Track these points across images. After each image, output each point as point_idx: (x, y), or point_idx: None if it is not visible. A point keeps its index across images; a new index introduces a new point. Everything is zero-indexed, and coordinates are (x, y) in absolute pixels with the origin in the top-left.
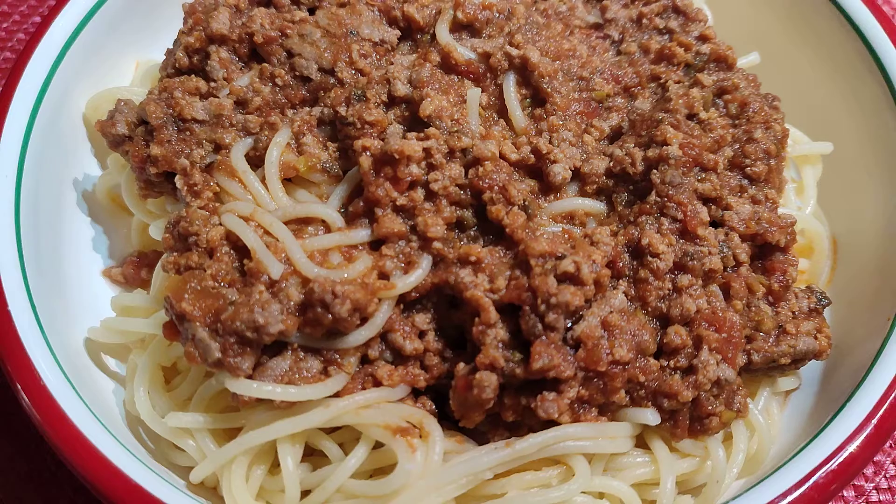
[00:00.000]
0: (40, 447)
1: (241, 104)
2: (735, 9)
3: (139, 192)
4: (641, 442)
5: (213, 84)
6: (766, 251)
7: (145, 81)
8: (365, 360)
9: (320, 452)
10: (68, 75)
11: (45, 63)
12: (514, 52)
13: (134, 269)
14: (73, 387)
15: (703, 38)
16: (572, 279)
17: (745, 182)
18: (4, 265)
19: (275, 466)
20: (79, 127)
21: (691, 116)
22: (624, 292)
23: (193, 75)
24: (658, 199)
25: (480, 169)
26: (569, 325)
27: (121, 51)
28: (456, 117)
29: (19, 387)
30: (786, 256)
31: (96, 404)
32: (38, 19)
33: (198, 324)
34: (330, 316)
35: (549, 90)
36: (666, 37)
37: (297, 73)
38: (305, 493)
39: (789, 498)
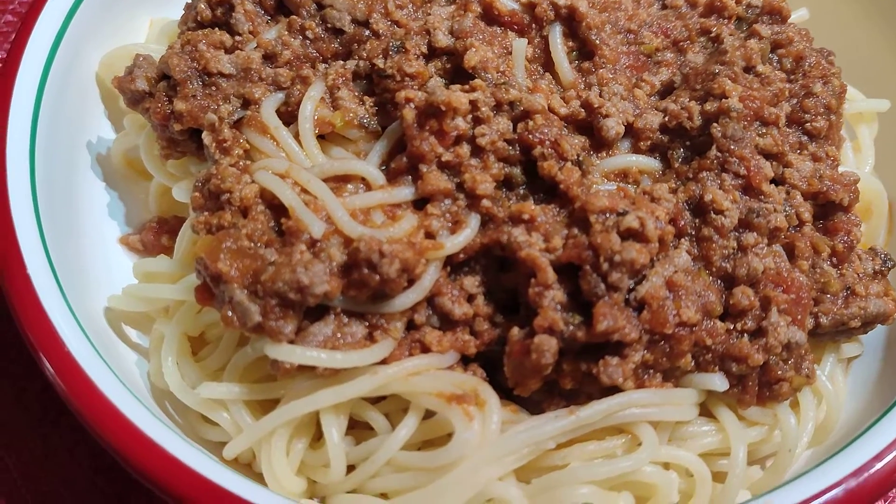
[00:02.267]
0: (57, 424)
1: (269, 58)
2: None
3: (161, 153)
4: (704, 410)
5: (238, 38)
6: (829, 210)
7: (161, 39)
8: (411, 326)
9: (363, 425)
10: (79, 34)
11: (54, 22)
12: (561, 1)
13: (154, 236)
14: (101, 356)
15: None
16: (636, 236)
17: (805, 139)
18: (24, 234)
19: (315, 441)
20: (91, 87)
21: (748, 69)
22: (687, 251)
23: (217, 29)
24: (719, 155)
25: (530, 123)
26: (631, 287)
27: (133, 8)
28: (501, 69)
29: (43, 357)
30: (848, 216)
31: (122, 375)
32: None
33: (235, 285)
34: (377, 277)
35: (597, 42)
36: None
37: (329, 26)
38: (349, 470)
39: (865, 475)
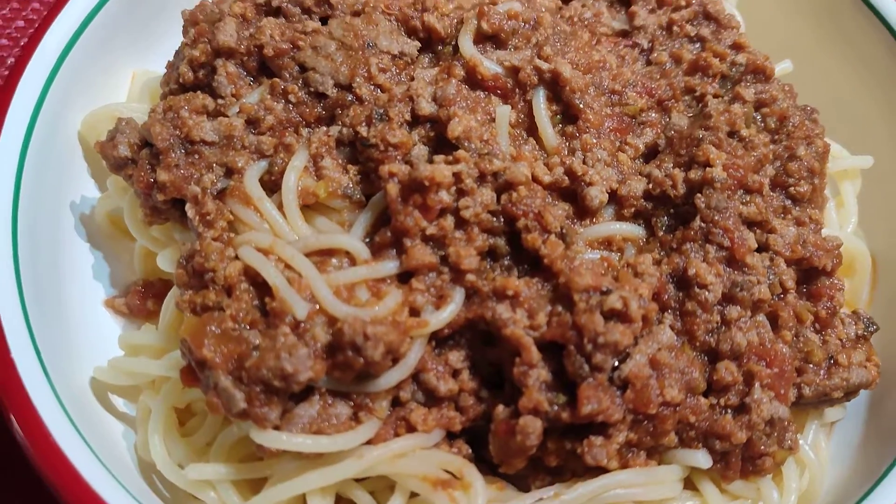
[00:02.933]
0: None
1: (252, 123)
2: (764, 13)
3: (144, 219)
4: (688, 483)
5: (220, 101)
6: (811, 275)
7: (143, 95)
8: (396, 402)
9: (349, 501)
10: (63, 90)
11: (39, 78)
12: (545, 66)
13: (139, 300)
14: (80, 433)
15: (736, 47)
16: (619, 316)
17: (789, 202)
18: (4, 300)
19: None
20: (74, 146)
21: (732, 133)
22: (670, 325)
23: (199, 91)
24: (703, 225)
25: (514, 194)
26: (615, 365)
27: (116, 61)
28: (485, 138)
29: (23, 436)
30: (831, 281)
31: (105, 450)
32: (21, 23)
33: (220, 371)
34: (361, 360)
35: (581, 106)
36: (698, 45)
37: (312, 89)
38: None
39: None
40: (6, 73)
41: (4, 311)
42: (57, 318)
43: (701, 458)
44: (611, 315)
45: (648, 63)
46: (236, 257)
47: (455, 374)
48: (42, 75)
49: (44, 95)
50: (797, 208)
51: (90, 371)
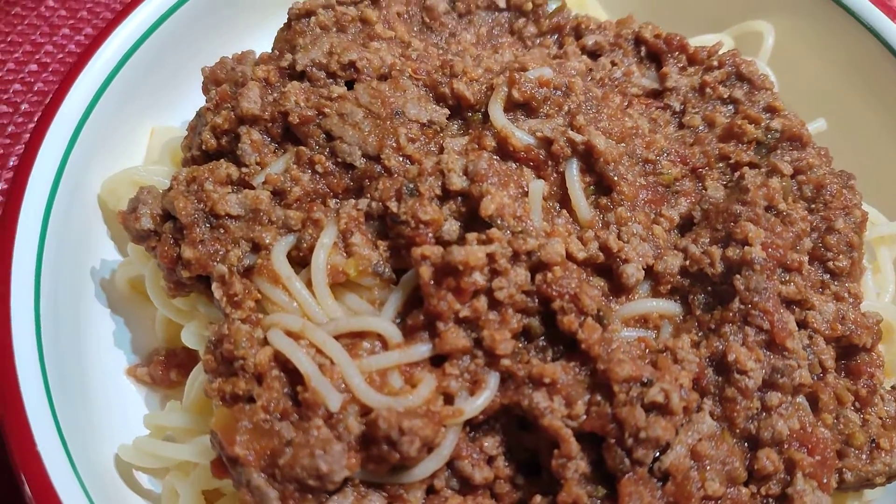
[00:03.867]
0: None
1: (278, 194)
2: (797, 69)
3: (167, 292)
4: None
5: (244, 169)
6: (850, 351)
7: (163, 156)
8: (430, 491)
9: None
10: (84, 153)
11: (60, 142)
12: (578, 137)
13: (162, 370)
14: None
15: (771, 110)
16: (660, 409)
17: (827, 277)
18: (25, 374)
19: None
20: (94, 209)
21: (769, 207)
22: (709, 411)
23: (222, 159)
24: (742, 307)
25: (549, 275)
26: (655, 456)
27: (136, 119)
28: (518, 214)
29: None
30: (871, 356)
31: None
32: (34, 67)
33: (253, 469)
34: (397, 455)
35: (615, 178)
36: (731, 107)
37: (339, 160)
38: None
39: None
40: (20, 119)
41: (26, 386)
42: (78, 389)
43: None
44: (652, 408)
45: (681, 126)
46: (265, 339)
47: (490, 460)
48: (64, 137)
49: (66, 158)
50: (835, 283)
51: (113, 446)
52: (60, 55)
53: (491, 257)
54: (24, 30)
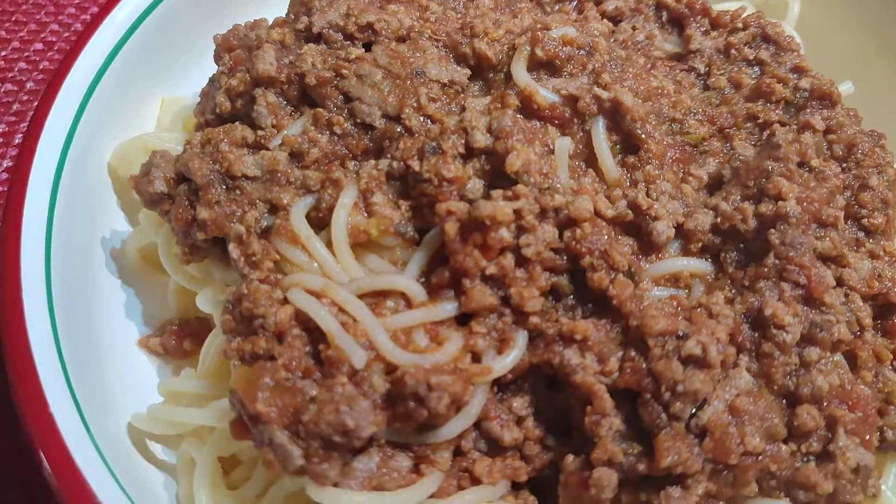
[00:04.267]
0: None
1: (295, 156)
2: (822, 36)
3: (181, 258)
4: None
5: (260, 132)
6: (887, 310)
7: (175, 124)
8: (457, 452)
9: None
10: (93, 121)
11: (69, 110)
12: (605, 94)
13: (176, 340)
14: (122, 486)
15: (798, 71)
16: (698, 362)
17: (861, 234)
18: (39, 343)
19: None
20: (104, 178)
21: (802, 164)
22: (746, 368)
23: (237, 122)
24: (777, 262)
25: (578, 231)
26: (692, 412)
27: (145, 89)
28: (544, 171)
29: (60, 488)
30: None
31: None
32: (39, 46)
33: (276, 427)
34: (425, 411)
35: (642, 136)
36: (756, 69)
37: (358, 121)
38: None
39: None
40: (25, 97)
41: (40, 357)
42: (91, 360)
43: None
44: (688, 361)
45: (706, 88)
46: (285, 299)
47: (519, 421)
48: (72, 107)
49: (74, 128)
50: (870, 240)
51: (126, 416)
52: (66, 34)
53: (518, 213)
54: (29, 9)
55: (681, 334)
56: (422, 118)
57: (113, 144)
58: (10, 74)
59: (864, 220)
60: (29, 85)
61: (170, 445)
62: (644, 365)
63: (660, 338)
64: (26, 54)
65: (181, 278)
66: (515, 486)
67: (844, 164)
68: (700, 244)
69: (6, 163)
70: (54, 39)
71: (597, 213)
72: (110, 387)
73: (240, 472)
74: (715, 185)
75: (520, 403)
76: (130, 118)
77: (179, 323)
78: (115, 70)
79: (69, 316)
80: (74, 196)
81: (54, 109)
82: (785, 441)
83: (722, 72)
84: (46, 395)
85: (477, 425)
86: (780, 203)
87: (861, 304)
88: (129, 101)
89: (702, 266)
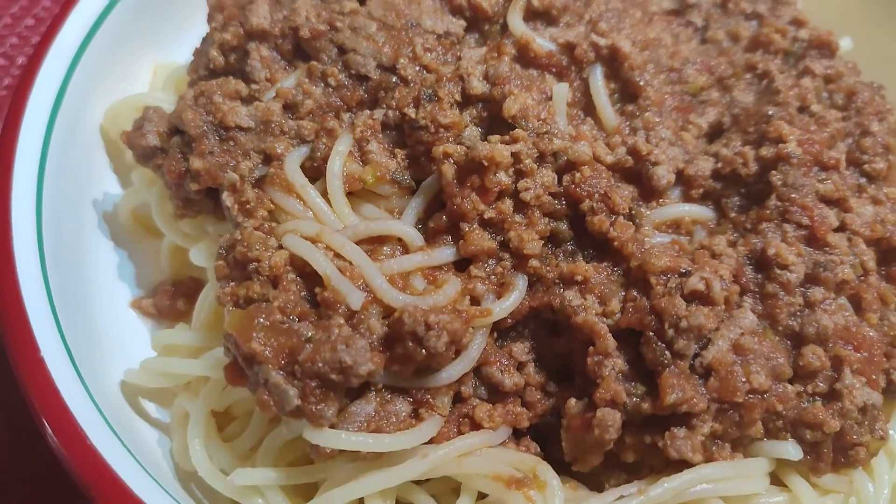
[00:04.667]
0: None
1: (290, 108)
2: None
3: (175, 213)
4: (774, 478)
5: (254, 86)
6: (890, 256)
7: (167, 87)
8: (457, 399)
9: None
10: (83, 83)
11: (58, 71)
12: (602, 41)
13: (169, 300)
14: (118, 436)
15: (796, 23)
16: (701, 298)
17: (863, 181)
18: (32, 299)
19: None
20: (95, 140)
21: (802, 109)
22: (750, 310)
23: (231, 77)
24: (779, 204)
25: (577, 175)
26: (696, 352)
27: (137, 54)
28: (542, 116)
29: (59, 443)
30: None
31: (143, 456)
32: (31, 22)
33: (271, 366)
34: (423, 351)
35: (641, 83)
36: (754, 22)
37: (353, 72)
38: None
39: None
40: (17, 72)
41: (33, 313)
42: (83, 320)
43: (791, 450)
44: (692, 297)
45: (704, 42)
46: (280, 248)
47: (520, 367)
48: (61, 68)
49: (63, 89)
50: (872, 186)
51: (119, 375)
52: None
53: (516, 157)
54: None
55: (683, 271)
56: (417, 68)
57: (104, 108)
58: (2, 50)
59: (866, 166)
60: (20, 60)
61: (163, 404)
62: (646, 303)
63: (662, 276)
64: (18, 30)
65: (175, 236)
66: (517, 435)
67: (845, 113)
68: (701, 190)
69: None
70: (46, 16)
71: (596, 159)
72: (102, 347)
73: (234, 427)
74: (714, 134)
75: (520, 349)
76: (122, 83)
77: (173, 283)
78: (104, 32)
79: (61, 275)
80: (64, 158)
81: (42, 71)
82: (791, 382)
83: (720, 25)
84: (38, 341)
85: (476, 372)
86: (780, 145)
87: (864, 248)
88: (120, 64)
89: (703, 212)
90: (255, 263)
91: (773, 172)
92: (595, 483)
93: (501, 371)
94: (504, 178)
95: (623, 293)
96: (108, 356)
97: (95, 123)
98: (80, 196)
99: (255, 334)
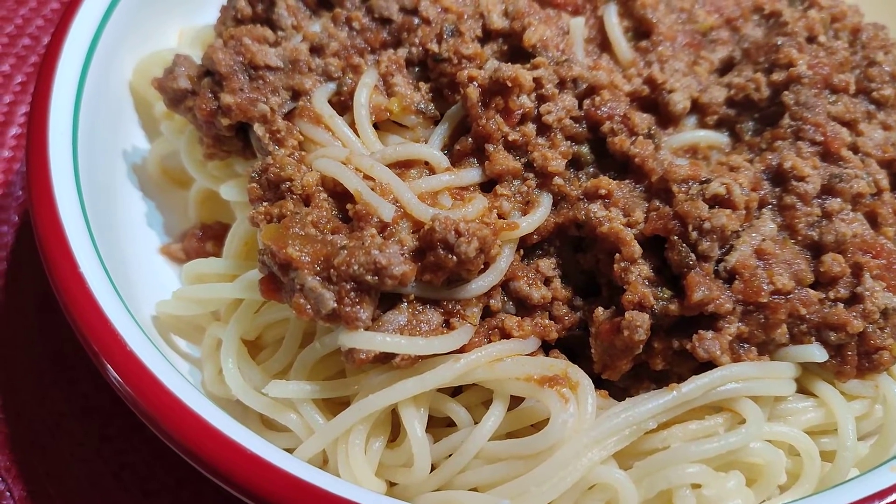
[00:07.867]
0: (100, 450)
1: (316, 50)
2: None
3: (205, 152)
4: (799, 388)
5: (281, 34)
6: None
7: (194, 45)
8: (486, 313)
9: (437, 424)
10: (111, 43)
11: (86, 34)
12: None
13: (198, 242)
14: (167, 359)
15: None
16: (723, 203)
17: (872, 108)
18: (77, 242)
19: (390, 441)
20: (125, 96)
21: (810, 40)
22: (770, 220)
23: (258, 25)
24: (793, 123)
25: (596, 98)
26: (719, 258)
27: (163, 16)
28: (561, 47)
29: (106, 363)
30: None
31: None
32: (41, 23)
33: (306, 271)
34: (454, 258)
35: (654, 20)
36: None
37: (376, 16)
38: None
39: None
40: (30, 70)
41: (80, 256)
42: (121, 262)
43: (816, 352)
44: (713, 202)
45: None
46: (313, 171)
47: (547, 281)
48: (90, 30)
49: (92, 50)
50: (882, 113)
51: (151, 311)
52: None
53: (538, 82)
54: None
55: (704, 179)
56: (438, 9)
57: (132, 65)
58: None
59: (874, 94)
60: (33, 59)
61: (193, 340)
62: (669, 210)
63: (683, 184)
64: (29, 30)
65: (204, 178)
66: (545, 348)
67: (851, 49)
68: (716, 117)
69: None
70: (55, 18)
71: (614, 87)
72: (139, 286)
73: (265, 354)
74: (726, 69)
75: (546, 265)
76: (149, 42)
77: (202, 227)
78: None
79: (98, 221)
80: (95, 111)
81: (73, 27)
82: (812, 288)
83: None
84: (93, 290)
85: (504, 287)
86: (791, 69)
87: (877, 167)
88: (147, 25)
89: (718, 137)
90: (288, 182)
91: (786, 93)
92: (623, 397)
93: (529, 285)
94: (527, 101)
95: (646, 205)
96: (141, 295)
97: (124, 81)
98: (111, 150)
99: (290, 242)
